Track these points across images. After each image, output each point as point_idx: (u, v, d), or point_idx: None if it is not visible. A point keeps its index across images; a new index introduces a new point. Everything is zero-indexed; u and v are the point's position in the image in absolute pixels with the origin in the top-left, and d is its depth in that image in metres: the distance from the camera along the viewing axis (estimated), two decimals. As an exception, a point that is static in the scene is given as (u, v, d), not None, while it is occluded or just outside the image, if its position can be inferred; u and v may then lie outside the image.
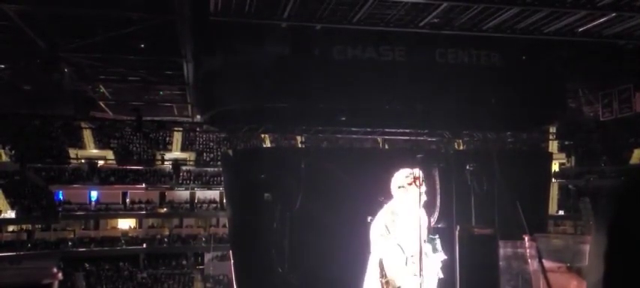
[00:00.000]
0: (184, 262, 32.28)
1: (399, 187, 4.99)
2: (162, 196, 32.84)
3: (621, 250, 1.15)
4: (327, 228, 9.77)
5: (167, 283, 31.10)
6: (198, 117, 18.25)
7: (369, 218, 5.17)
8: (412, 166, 5.01)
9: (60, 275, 27.16)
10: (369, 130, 14.07)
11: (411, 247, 4.85)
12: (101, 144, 31.57)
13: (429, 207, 5.17)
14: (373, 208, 5.25)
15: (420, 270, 4.72)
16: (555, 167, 26.15)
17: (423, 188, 4.98)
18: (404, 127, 12.98)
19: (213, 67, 11.42)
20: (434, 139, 13.68)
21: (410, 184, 4.96)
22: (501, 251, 4.98)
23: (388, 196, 5.16)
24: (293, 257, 9.89)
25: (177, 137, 32.28)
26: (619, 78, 13.99)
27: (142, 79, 17.33)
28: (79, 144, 30.90)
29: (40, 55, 13.77)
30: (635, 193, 1.18)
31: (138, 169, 31.78)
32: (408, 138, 14.41)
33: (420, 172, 4.97)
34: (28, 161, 27.53)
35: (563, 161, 27.62)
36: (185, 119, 22.95)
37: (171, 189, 32.48)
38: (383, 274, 4.85)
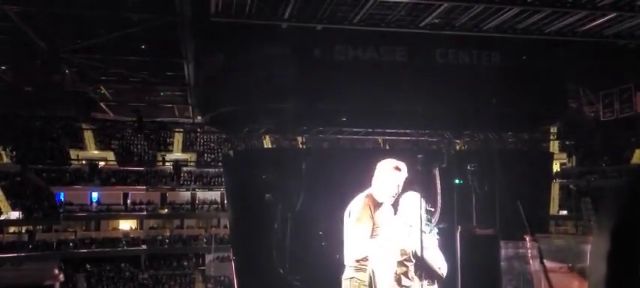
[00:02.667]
0: (185, 263, 32.31)
1: (383, 174, 5.05)
2: (164, 197, 32.87)
3: (623, 250, 1.15)
4: (328, 228, 9.76)
5: (168, 284, 31.12)
6: (199, 118, 18.25)
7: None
8: (398, 158, 5.07)
9: (61, 276, 27.29)
10: (370, 130, 14.07)
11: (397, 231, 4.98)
12: (102, 145, 31.59)
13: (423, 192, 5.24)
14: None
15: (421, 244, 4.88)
16: (556, 167, 26.12)
17: (404, 174, 5.05)
18: (405, 127, 12.98)
19: (214, 67, 11.42)
20: (435, 140, 13.68)
21: (395, 168, 5.00)
22: (503, 251, 4.98)
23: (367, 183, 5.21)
24: (294, 258, 9.89)
25: (178, 138, 32.31)
26: (620, 78, 13.98)
27: (142, 80, 17.33)
28: (80, 145, 30.92)
29: (42, 57, 13.78)
30: (637, 193, 1.19)
31: (139, 170, 31.81)
32: (409, 138, 14.41)
33: (402, 164, 5.01)
34: (29, 162, 27.56)
35: (564, 161, 27.59)
36: (186, 120, 22.95)
37: (172, 190, 32.52)
38: (404, 257, 4.93)
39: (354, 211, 5.00)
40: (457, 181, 5.74)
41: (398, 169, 4.95)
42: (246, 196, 11.43)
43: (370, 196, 5.05)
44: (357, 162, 11.76)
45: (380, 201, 5.04)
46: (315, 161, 10.74)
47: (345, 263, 4.99)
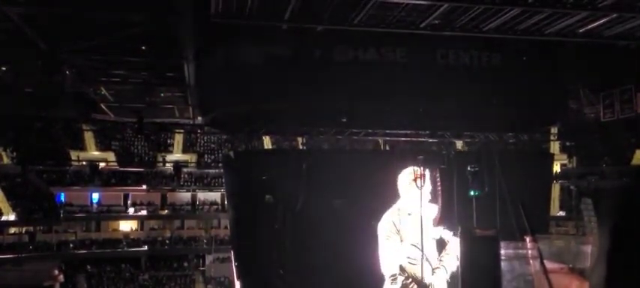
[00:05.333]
0: (186, 264, 32.32)
1: (405, 186, 5.05)
2: (164, 197, 32.86)
3: (624, 251, 1.14)
4: (328, 229, 9.76)
5: (168, 285, 31.13)
6: (200, 119, 18.25)
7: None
8: (416, 165, 5.04)
9: (61, 277, 27.30)
10: (370, 131, 14.07)
11: (425, 242, 4.95)
12: (102, 146, 31.56)
13: (434, 200, 5.20)
14: (378, 209, 5.26)
15: (423, 258, 4.83)
16: (557, 168, 26.10)
17: (427, 185, 5.02)
18: (405, 128, 12.98)
19: (214, 68, 11.43)
20: (435, 140, 13.68)
21: (414, 180, 5.00)
22: (503, 252, 4.97)
23: (395, 195, 5.19)
24: (294, 259, 9.89)
25: (179, 139, 32.29)
26: (620, 79, 13.98)
27: (143, 81, 17.35)
28: (81, 146, 30.89)
29: (42, 57, 13.78)
30: (637, 194, 1.18)
31: (139, 171, 31.79)
32: (409, 139, 14.41)
33: (423, 169, 4.99)
34: (29, 163, 27.53)
35: (565, 162, 27.56)
36: (186, 121, 22.95)
37: (173, 191, 32.51)
38: (407, 277, 4.91)
39: (381, 229, 5.00)
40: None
41: (418, 177, 4.92)
42: (247, 196, 11.43)
43: (398, 210, 5.05)
44: (357, 163, 11.77)
45: (408, 212, 5.02)
46: (316, 161, 10.74)
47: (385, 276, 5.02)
